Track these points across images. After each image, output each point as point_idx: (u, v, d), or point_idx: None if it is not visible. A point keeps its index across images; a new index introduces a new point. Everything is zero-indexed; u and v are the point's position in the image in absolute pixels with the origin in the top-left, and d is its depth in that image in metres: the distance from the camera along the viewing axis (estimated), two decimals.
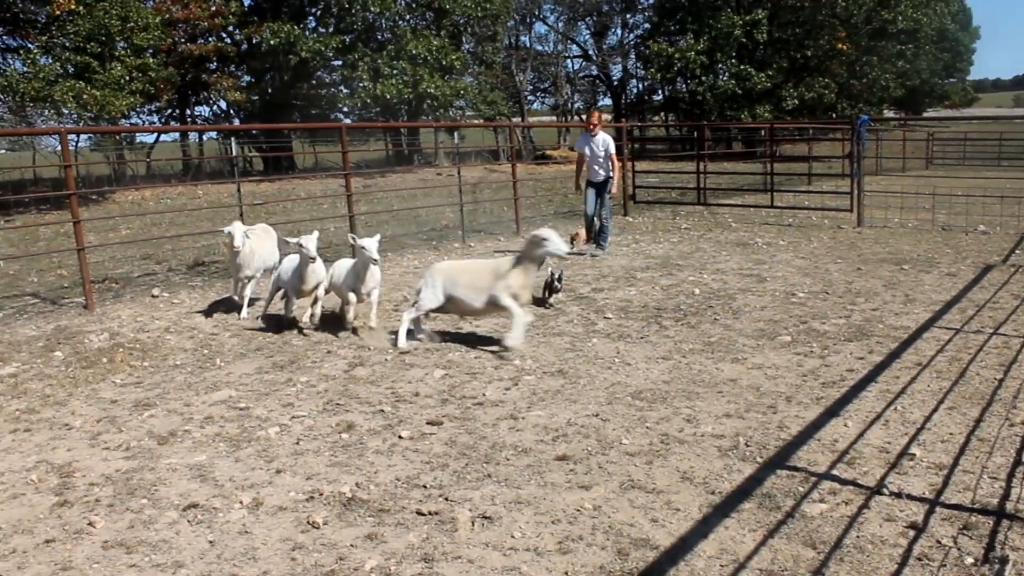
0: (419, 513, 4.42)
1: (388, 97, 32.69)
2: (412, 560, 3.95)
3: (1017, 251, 12.37)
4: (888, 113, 53.14)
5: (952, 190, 17.75)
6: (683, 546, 4.02)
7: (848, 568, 3.80)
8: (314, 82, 38.26)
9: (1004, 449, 5.10)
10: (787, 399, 6.07)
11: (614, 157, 13.05)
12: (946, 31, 55.23)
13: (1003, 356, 7.06)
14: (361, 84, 33.21)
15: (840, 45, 41.61)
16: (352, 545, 4.10)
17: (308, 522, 4.33)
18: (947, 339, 7.63)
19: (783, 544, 4.02)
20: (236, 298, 9.37)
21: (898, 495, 4.51)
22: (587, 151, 13.04)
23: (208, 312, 9.40)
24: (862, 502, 4.45)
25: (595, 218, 13.21)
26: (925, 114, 60.21)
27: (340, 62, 35.19)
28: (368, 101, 33.98)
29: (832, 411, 5.80)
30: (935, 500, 4.45)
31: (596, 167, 13.07)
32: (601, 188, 13.11)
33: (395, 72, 33.09)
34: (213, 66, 35.97)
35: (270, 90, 36.75)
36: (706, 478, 4.77)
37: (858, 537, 4.08)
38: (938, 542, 4.01)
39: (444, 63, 34.42)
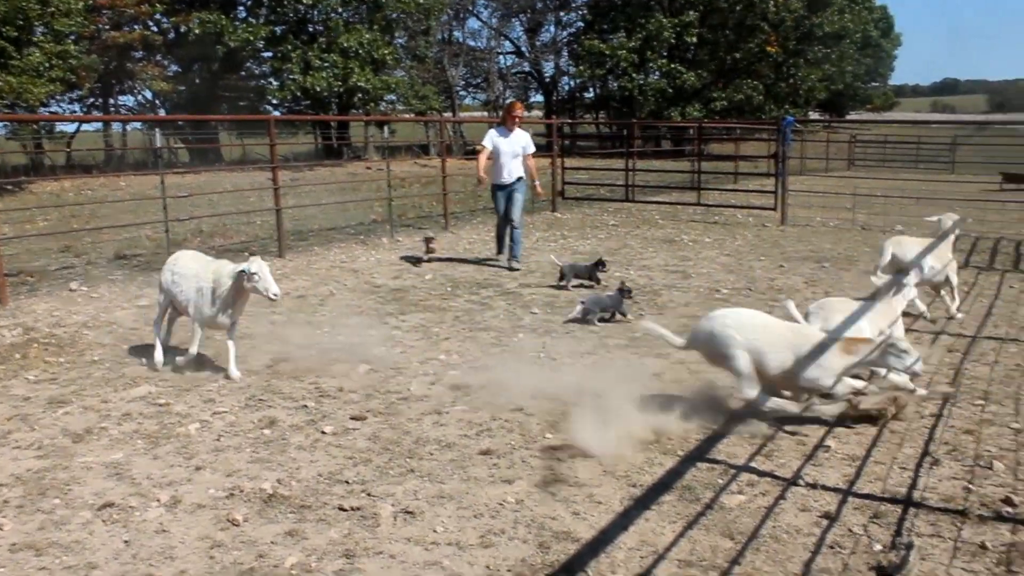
0: (341, 509, 4.38)
1: (318, 90, 32.32)
2: (333, 556, 3.91)
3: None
4: (813, 115, 54.18)
5: (872, 191, 18.22)
6: (604, 538, 4.06)
7: (764, 557, 3.87)
8: (243, 73, 37.63)
9: (913, 440, 5.26)
10: (709, 393, 6.15)
11: (531, 159, 11.57)
12: (869, 37, 56.52)
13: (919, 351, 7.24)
14: (291, 76, 32.73)
15: (769, 48, 42.33)
16: (272, 542, 4.05)
17: (228, 519, 4.26)
18: None
19: (702, 535, 4.08)
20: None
21: (813, 486, 4.61)
22: (500, 148, 11.26)
23: (129, 307, 9.19)
24: (779, 493, 4.54)
25: (507, 226, 11.53)
26: (848, 117, 61.54)
27: (270, 53, 34.65)
28: (298, 94, 33.54)
29: (751, 405, 5.88)
30: (848, 490, 4.57)
31: (508, 168, 11.33)
32: (511, 192, 11.41)
33: (326, 65, 32.71)
34: (138, 55, 35.08)
35: (197, 80, 36.03)
36: (628, 471, 4.82)
37: (774, 527, 4.16)
38: (850, 530, 4.11)
39: (376, 57, 34.14)
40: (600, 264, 10.08)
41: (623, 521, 4.22)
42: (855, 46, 49.62)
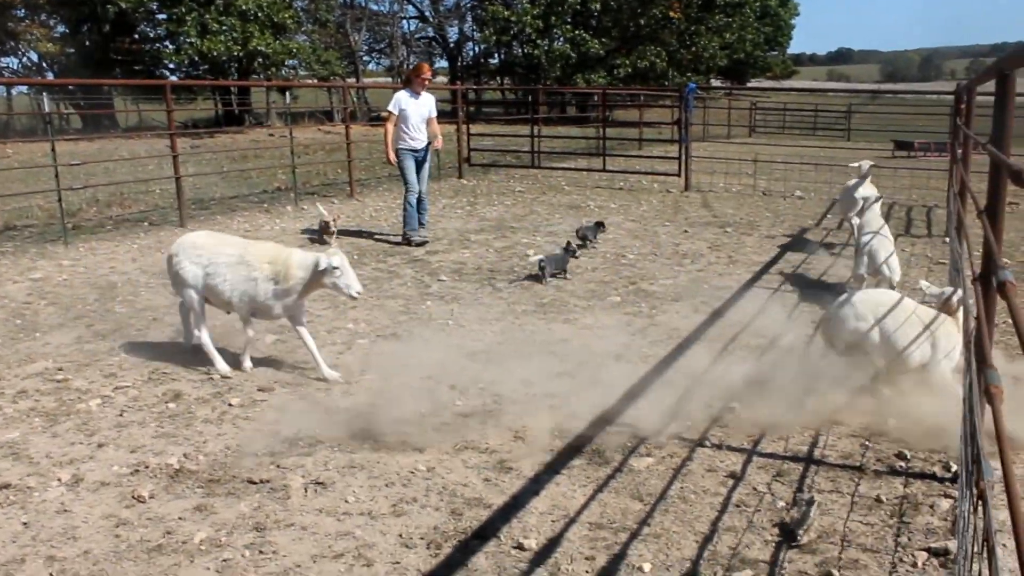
0: (250, 482, 4.31)
1: (216, 54, 31.42)
2: (243, 530, 3.85)
3: (829, 215, 13.09)
4: (715, 82, 55.03)
5: (772, 157, 18.61)
6: (515, 504, 4.08)
7: (672, 518, 3.95)
8: (137, 36, 36.32)
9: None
10: (616, 358, 6.24)
11: (435, 121, 11.00)
12: (768, 6, 57.58)
13: (814, 313, 7.47)
14: (188, 40, 31.73)
15: (672, 13, 42.73)
16: (180, 518, 3.95)
17: (133, 496, 4.14)
18: (766, 298, 8.02)
19: (612, 498, 4.14)
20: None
21: (719, 447, 4.72)
22: (409, 112, 10.62)
23: (21, 280, 8.83)
24: (686, 455, 4.63)
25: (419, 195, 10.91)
26: (749, 84, 62.68)
27: (165, 16, 33.49)
28: (195, 58, 32.55)
29: (659, 369, 5.99)
30: (752, 450, 4.69)
31: (417, 133, 10.71)
32: (422, 158, 10.90)
33: (224, 28, 31.80)
34: (21, 14, 33.46)
35: (87, 43, 34.66)
36: (538, 436, 4.85)
37: (682, 488, 4.25)
38: (754, 489, 4.23)
39: (276, 20, 33.33)
40: (600, 225, 10.61)
41: (534, 486, 4.26)
42: (754, 15, 50.52)
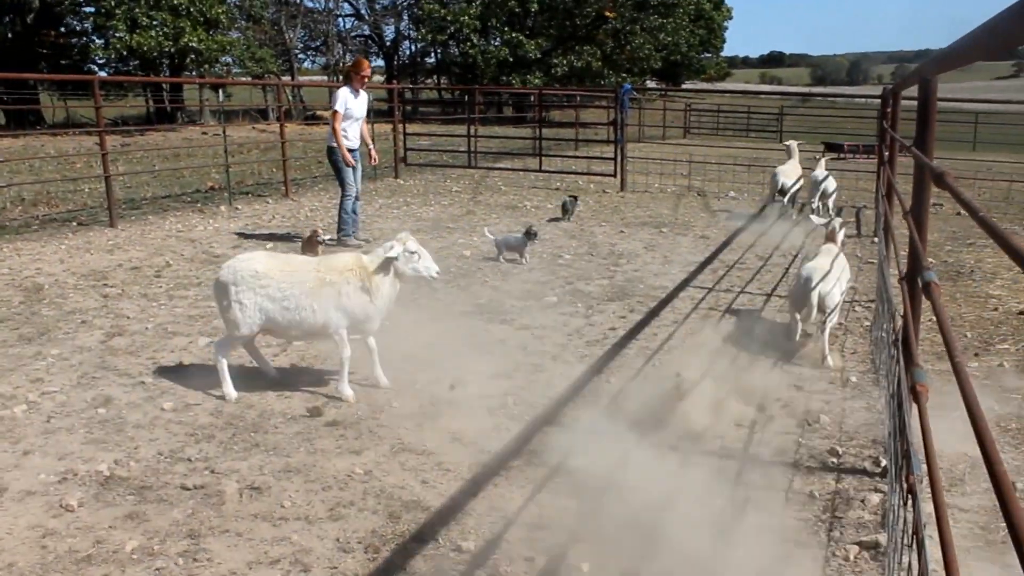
0: (184, 488, 4.23)
1: (146, 49, 30.80)
2: (177, 537, 3.78)
3: (761, 214, 13.30)
4: (650, 84, 55.55)
5: (706, 158, 18.85)
6: (453, 505, 4.07)
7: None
8: (63, 29, 35.43)
9: (749, 398, 5.49)
10: (553, 358, 6.27)
11: (365, 124, 10.70)
12: (702, 9, 58.23)
13: (746, 313, 7.60)
14: (116, 35, 31.05)
15: (607, 13, 43.05)
16: (111, 527, 3.86)
17: (61, 505, 4.03)
18: (700, 297, 8.12)
19: (549, 498, 4.15)
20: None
21: (656, 446, 4.76)
22: (354, 111, 10.25)
23: None
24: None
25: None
26: (683, 86, 63.38)
27: (92, 9, 32.72)
28: (124, 53, 31.86)
29: (596, 368, 6.04)
30: (689, 448, 4.74)
31: (355, 131, 10.41)
32: (359, 156, 10.57)
33: (154, 23, 31.19)
34: None
35: (10, 35, 33.71)
36: (476, 438, 4.85)
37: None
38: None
39: (208, 16, 32.80)
40: (575, 199, 11.06)
41: (472, 487, 4.25)
42: (689, 17, 51.12)
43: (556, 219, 10.29)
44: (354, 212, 10.53)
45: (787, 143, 13.42)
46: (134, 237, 10.84)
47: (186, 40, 31.55)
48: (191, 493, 4.18)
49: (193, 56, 32.96)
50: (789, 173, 12.80)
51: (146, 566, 3.55)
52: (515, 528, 3.87)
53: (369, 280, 5.36)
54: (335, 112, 10.19)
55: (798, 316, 6.39)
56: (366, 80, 10.52)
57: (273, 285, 5.31)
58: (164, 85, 36.84)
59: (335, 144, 10.21)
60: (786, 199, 12.68)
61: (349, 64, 10.66)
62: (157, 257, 9.65)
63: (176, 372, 5.93)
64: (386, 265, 5.39)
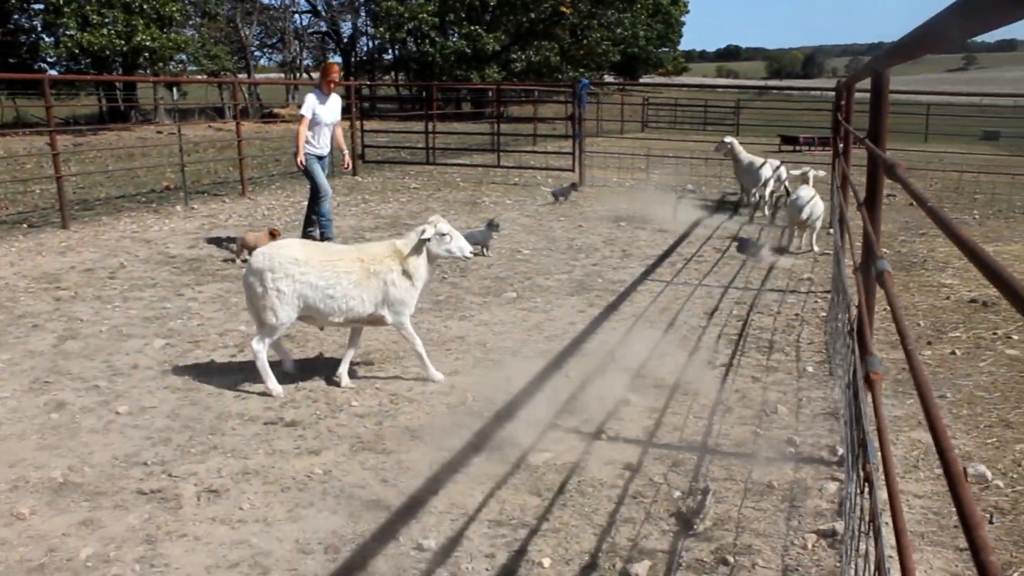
0: (140, 492, 4.16)
1: (98, 48, 30.30)
2: (133, 543, 3.71)
3: (719, 208, 13.41)
4: (608, 78, 55.73)
5: (664, 152, 18.95)
6: (413, 504, 4.05)
7: (571, 511, 3.97)
8: (11, 27, 34.73)
9: (707, 391, 5.53)
10: (513, 354, 6.27)
11: (339, 128, 10.52)
12: (660, 4, 58.51)
13: (707, 305, 7.66)
14: (67, 32, 30.50)
15: (564, 8, 43.12)
16: (64, 534, 3.79)
17: (12, 514, 3.93)
18: (659, 291, 8.16)
19: (510, 494, 4.14)
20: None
21: (615, 439, 4.78)
22: (322, 115, 10.05)
23: None
24: (583, 448, 4.67)
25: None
26: (641, 80, 63.66)
27: (41, 6, 32.10)
28: (76, 51, 31.32)
29: (555, 363, 6.04)
30: (648, 441, 4.76)
31: (324, 139, 10.24)
32: (324, 165, 10.43)
33: (106, 21, 30.69)
34: None
35: None
36: (435, 435, 4.82)
37: (580, 481, 4.28)
38: (651, 480, 4.29)
39: (162, 13, 32.34)
40: (574, 186, 11.05)
41: (432, 485, 4.23)
42: (646, 11, 51.35)
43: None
44: (326, 217, 10.29)
45: (728, 141, 13.35)
46: (87, 238, 10.67)
47: (140, 38, 31.06)
48: (147, 498, 4.12)
49: (147, 54, 32.47)
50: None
51: (101, 573, 3.49)
52: (476, 525, 3.85)
53: (408, 264, 5.51)
54: (302, 118, 9.93)
55: (795, 227, 10.08)
56: (334, 84, 10.23)
57: (314, 273, 5.32)
58: (117, 84, 36.29)
59: (306, 150, 10.00)
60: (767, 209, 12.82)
61: (320, 67, 10.28)
62: (111, 258, 9.50)
63: (131, 375, 5.84)
64: (420, 248, 5.54)
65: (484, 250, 9.57)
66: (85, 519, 3.91)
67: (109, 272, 8.85)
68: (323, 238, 10.07)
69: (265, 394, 5.43)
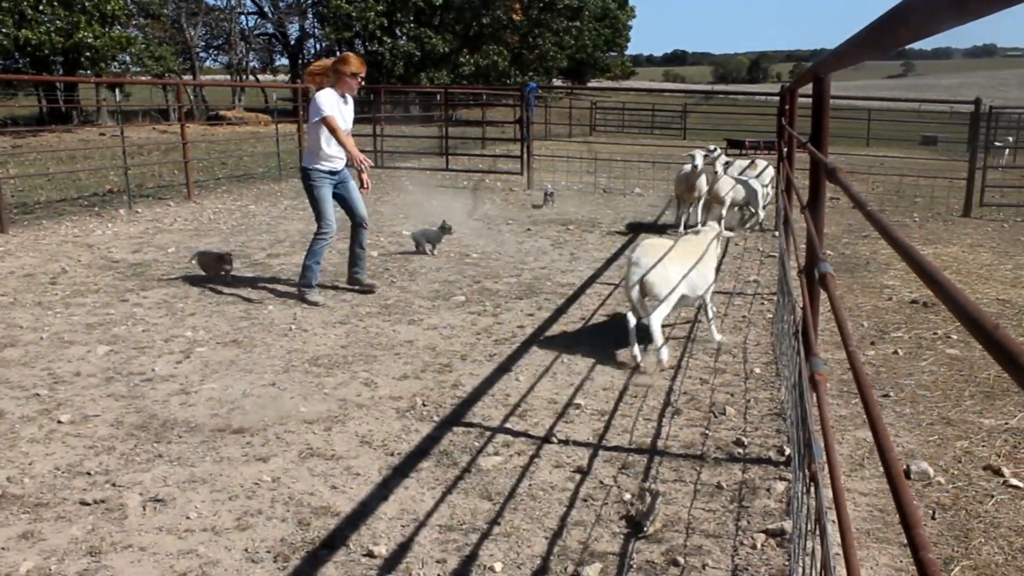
0: (83, 503, 4.07)
1: (37, 44, 29.64)
2: (76, 555, 3.63)
3: (667, 211, 13.52)
4: (556, 82, 55.97)
5: (612, 155, 19.08)
6: (364, 510, 4.02)
7: (522, 515, 3.97)
8: None
9: (656, 393, 5.58)
10: (462, 358, 6.25)
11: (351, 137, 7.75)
12: (608, 9, 58.97)
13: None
14: (3, 30, 29.81)
15: (514, 15, 43.24)
16: (3, 548, 3.68)
17: None
18: (607, 294, 8.20)
19: (461, 499, 4.13)
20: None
21: (565, 442, 4.78)
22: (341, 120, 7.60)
23: None
24: (533, 452, 4.67)
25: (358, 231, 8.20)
26: (589, 84, 64.03)
27: None
28: (12, 49, 30.63)
29: (504, 367, 6.04)
30: (598, 444, 4.78)
31: (339, 151, 7.71)
32: (344, 181, 7.97)
33: (45, 18, 30.06)
34: None
35: None
36: (385, 440, 4.80)
37: (530, 485, 4.27)
38: (601, 482, 4.30)
39: (103, 10, 31.75)
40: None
41: (382, 491, 4.20)
42: (594, 17, 51.71)
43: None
44: (360, 246, 8.27)
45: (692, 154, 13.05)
46: (27, 243, 10.44)
47: (81, 35, 30.44)
48: (91, 508, 4.03)
49: (89, 53, 31.84)
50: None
51: None
52: (427, 530, 3.84)
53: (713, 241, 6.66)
54: (325, 118, 7.45)
55: (750, 206, 11.82)
56: (361, 82, 7.79)
57: (676, 258, 6.18)
58: (58, 84, 35.58)
59: (313, 166, 7.73)
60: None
61: (332, 59, 7.78)
62: (52, 263, 9.31)
63: (73, 383, 5.72)
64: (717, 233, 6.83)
65: (432, 249, 9.76)
66: (25, 532, 3.81)
67: (50, 277, 8.67)
68: (302, 284, 7.90)
69: (211, 399, 5.36)
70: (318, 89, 7.65)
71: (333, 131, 7.45)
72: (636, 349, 5.96)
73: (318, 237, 7.87)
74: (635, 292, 5.99)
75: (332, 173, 7.81)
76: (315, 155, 7.69)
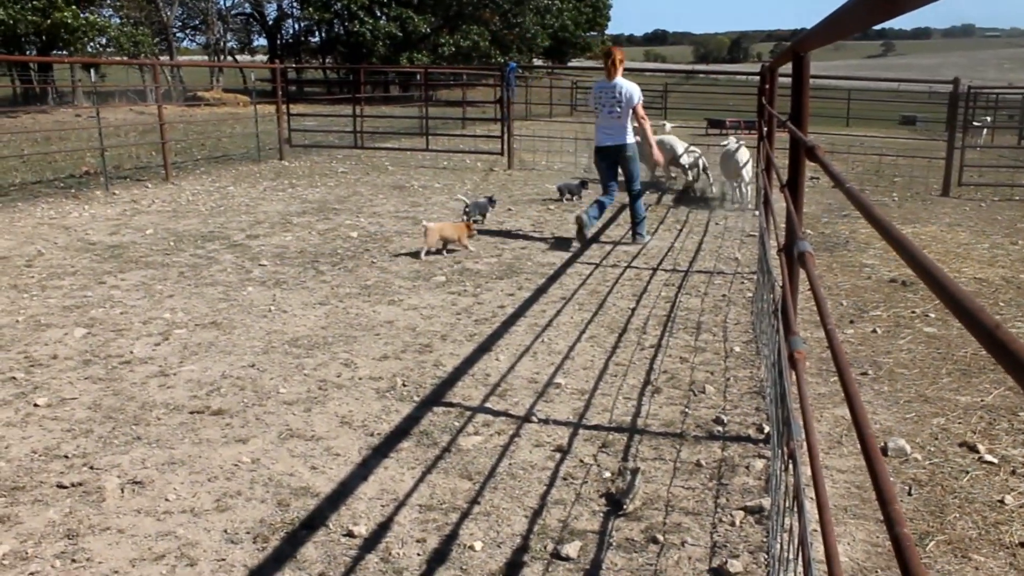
0: (60, 486, 4.04)
1: (10, 24, 29.24)
2: (54, 539, 3.61)
3: (650, 191, 13.52)
4: (537, 62, 55.76)
5: (592, 135, 19.02)
6: (344, 491, 4.01)
7: (502, 494, 3.98)
8: None
9: (636, 371, 5.59)
10: (442, 338, 6.24)
11: (640, 109, 9.49)
12: None
13: (635, 287, 7.73)
14: None
15: None
16: None
17: None
18: (588, 273, 8.21)
19: (441, 479, 4.13)
20: None
21: (545, 421, 4.79)
22: (599, 105, 9.64)
23: None
24: (513, 431, 4.67)
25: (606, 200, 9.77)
26: (570, 64, 63.80)
27: None
28: None
29: (485, 347, 6.04)
30: (578, 423, 4.79)
31: (607, 127, 9.60)
32: (614, 157, 9.67)
33: None
34: None
35: None
36: (365, 421, 4.79)
37: (511, 464, 4.28)
38: (581, 461, 4.31)
39: None
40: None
41: (362, 471, 4.20)
42: None
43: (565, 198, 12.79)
44: (634, 213, 9.86)
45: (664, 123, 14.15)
46: (2, 225, 10.33)
47: (58, 15, 30.02)
48: (68, 491, 4.01)
49: (65, 34, 31.42)
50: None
51: (19, 571, 3.38)
52: (406, 510, 3.83)
53: None
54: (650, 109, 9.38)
55: (734, 182, 12.31)
56: (617, 67, 9.56)
57: None
58: (32, 65, 35.13)
59: (637, 139, 9.84)
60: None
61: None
62: (28, 246, 9.22)
63: (50, 366, 5.68)
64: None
65: (481, 219, 10.45)
66: (1, 515, 3.78)
67: (26, 260, 8.59)
68: (637, 233, 9.84)
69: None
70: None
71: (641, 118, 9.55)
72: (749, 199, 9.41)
73: (638, 192, 9.80)
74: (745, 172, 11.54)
75: (598, 148, 9.91)
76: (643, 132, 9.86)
